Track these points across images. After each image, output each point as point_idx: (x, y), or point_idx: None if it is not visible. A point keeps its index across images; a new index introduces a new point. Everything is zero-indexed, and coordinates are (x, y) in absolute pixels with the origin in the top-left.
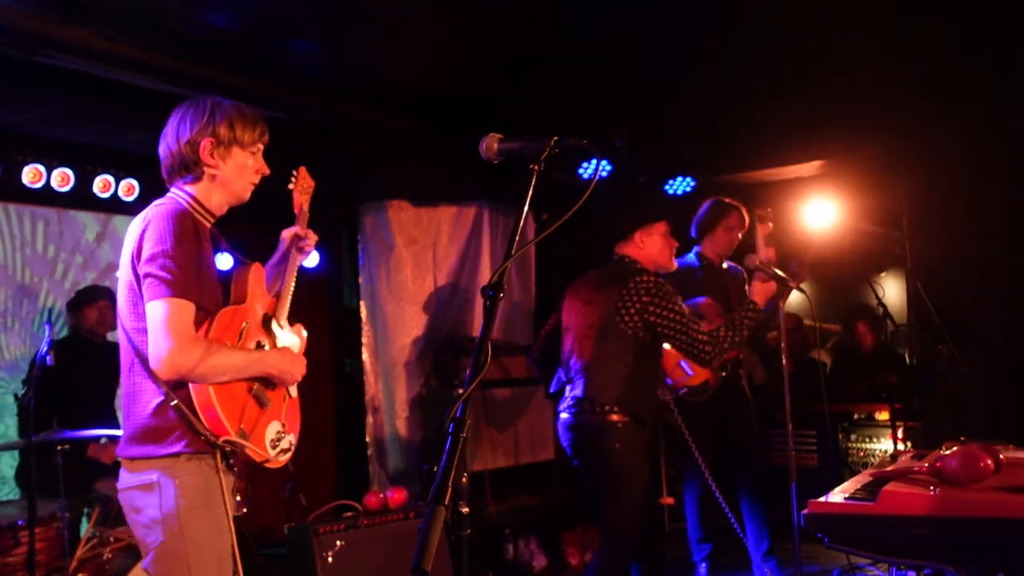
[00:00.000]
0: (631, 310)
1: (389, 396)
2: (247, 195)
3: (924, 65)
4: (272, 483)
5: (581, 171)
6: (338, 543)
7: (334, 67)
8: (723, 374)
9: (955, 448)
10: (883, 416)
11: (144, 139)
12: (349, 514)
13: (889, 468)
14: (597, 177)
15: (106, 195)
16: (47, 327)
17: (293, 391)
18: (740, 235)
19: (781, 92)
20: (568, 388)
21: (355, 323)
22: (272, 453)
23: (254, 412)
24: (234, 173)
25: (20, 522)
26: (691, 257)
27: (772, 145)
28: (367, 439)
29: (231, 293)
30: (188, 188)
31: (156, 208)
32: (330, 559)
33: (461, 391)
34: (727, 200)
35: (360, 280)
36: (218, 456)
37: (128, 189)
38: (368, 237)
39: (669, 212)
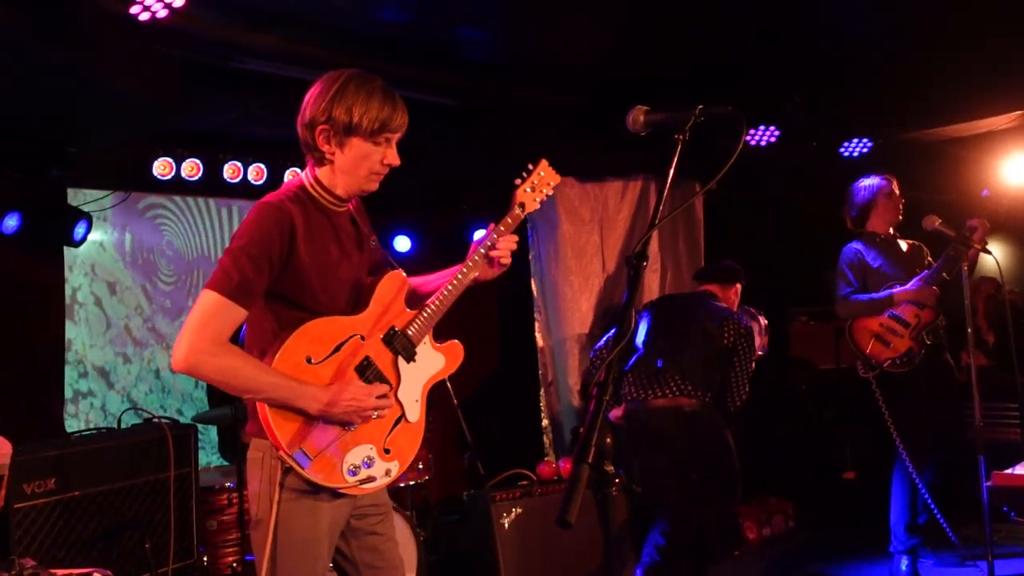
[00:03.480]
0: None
1: (562, 371)
2: (371, 187)
3: None
4: (452, 453)
5: (748, 137)
6: (514, 510)
7: (498, 51)
8: (928, 342)
9: None
10: None
11: None
12: (524, 483)
13: None
14: (740, 145)
15: None
16: None
17: (411, 416)
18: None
19: (971, 37)
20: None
21: (527, 300)
22: (349, 480)
23: (328, 433)
24: (351, 164)
25: (231, 484)
26: (857, 245)
27: (962, 97)
28: (541, 412)
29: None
30: (316, 169)
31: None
32: (506, 525)
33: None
34: (868, 178)
35: (530, 257)
36: (278, 466)
37: None
38: (536, 215)
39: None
